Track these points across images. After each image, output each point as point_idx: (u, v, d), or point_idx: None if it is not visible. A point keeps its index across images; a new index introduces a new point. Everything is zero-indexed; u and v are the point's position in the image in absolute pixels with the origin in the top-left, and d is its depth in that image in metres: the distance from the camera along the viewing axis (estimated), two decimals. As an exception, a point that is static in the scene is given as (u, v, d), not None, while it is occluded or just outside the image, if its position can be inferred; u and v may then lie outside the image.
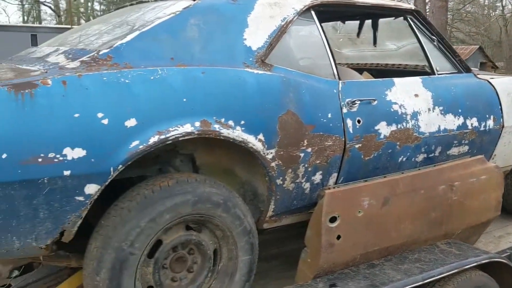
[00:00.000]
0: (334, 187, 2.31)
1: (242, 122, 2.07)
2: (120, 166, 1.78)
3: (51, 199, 1.69)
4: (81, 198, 1.74)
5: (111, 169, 1.76)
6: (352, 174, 2.57)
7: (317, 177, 2.43)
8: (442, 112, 2.87)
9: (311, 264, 2.35)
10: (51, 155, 1.64)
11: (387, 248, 2.53)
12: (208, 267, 2.20)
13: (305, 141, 2.29)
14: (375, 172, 2.66)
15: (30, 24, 26.71)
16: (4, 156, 1.57)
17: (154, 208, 1.92)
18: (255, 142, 2.11)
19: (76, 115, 1.69)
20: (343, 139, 2.43)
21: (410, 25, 2.99)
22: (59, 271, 2.31)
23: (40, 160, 1.63)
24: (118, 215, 1.90)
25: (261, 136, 2.13)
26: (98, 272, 1.87)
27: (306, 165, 2.34)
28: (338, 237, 2.30)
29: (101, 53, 1.92)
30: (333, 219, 2.27)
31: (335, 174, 2.50)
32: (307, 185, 2.41)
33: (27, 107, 1.62)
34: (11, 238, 1.70)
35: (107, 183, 1.78)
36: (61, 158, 1.66)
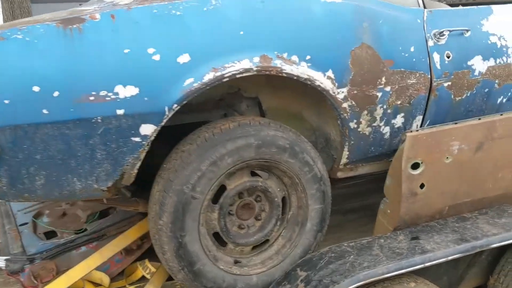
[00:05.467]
0: (417, 130, 2.04)
1: (308, 57, 1.86)
2: (175, 105, 1.68)
3: (107, 140, 1.65)
4: (137, 139, 1.68)
5: (166, 108, 1.67)
6: (440, 117, 2.27)
7: (398, 120, 2.17)
8: (553, 44, 2.42)
9: (391, 215, 2.13)
10: (102, 93, 1.58)
11: (481, 200, 2.22)
12: (277, 215, 2.07)
13: (383, 79, 2.03)
14: (468, 116, 2.33)
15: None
16: (55, 94, 1.54)
17: (215, 151, 1.82)
18: (323, 79, 1.90)
19: (126, 50, 1.60)
20: (429, 76, 2.14)
21: None
22: (132, 217, 2.33)
23: (92, 98, 1.58)
24: (179, 158, 1.83)
25: (330, 73, 1.91)
26: (161, 216, 1.82)
27: (385, 106, 2.09)
28: (422, 186, 2.05)
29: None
30: (415, 166, 2.01)
31: (420, 117, 2.23)
32: (386, 129, 2.17)
33: (76, 42, 1.56)
34: (72, 179, 1.69)
35: (163, 123, 1.69)
36: (113, 97, 1.60)
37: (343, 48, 1.94)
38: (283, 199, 2.09)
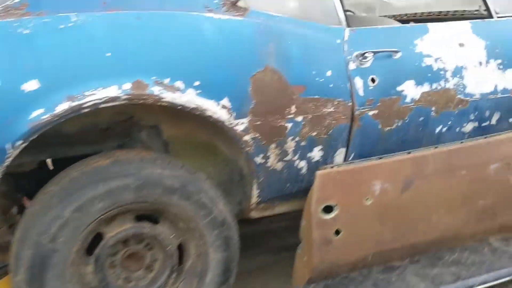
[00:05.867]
0: (331, 167, 1.77)
1: (197, 83, 1.59)
2: (20, 142, 1.39)
3: None
4: (-26, 183, 1.39)
5: (8, 145, 1.38)
6: (367, 149, 1.99)
7: (316, 154, 1.89)
8: (501, 66, 2.17)
9: (307, 263, 1.85)
10: None
11: (414, 245, 1.94)
12: (171, 266, 1.78)
13: (293, 107, 1.76)
14: (403, 147, 2.04)
15: None
16: None
17: (82, 195, 1.53)
18: (216, 109, 1.62)
19: (-47, 77, 1.32)
20: (350, 104, 1.87)
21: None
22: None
23: None
24: (40, 202, 1.53)
25: (225, 102, 1.64)
26: (17, 271, 1.52)
27: (297, 139, 1.82)
28: (337, 232, 1.76)
29: (16, 0, 1.53)
30: (328, 209, 1.73)
31: (343, 150, 1.95)
32: (302, 164, 1.89)
33: None
34: None
35: (7, 163, 1.40)
36: None
37: (241, 73, 1.66)
38: (180, 246, 1.80)
